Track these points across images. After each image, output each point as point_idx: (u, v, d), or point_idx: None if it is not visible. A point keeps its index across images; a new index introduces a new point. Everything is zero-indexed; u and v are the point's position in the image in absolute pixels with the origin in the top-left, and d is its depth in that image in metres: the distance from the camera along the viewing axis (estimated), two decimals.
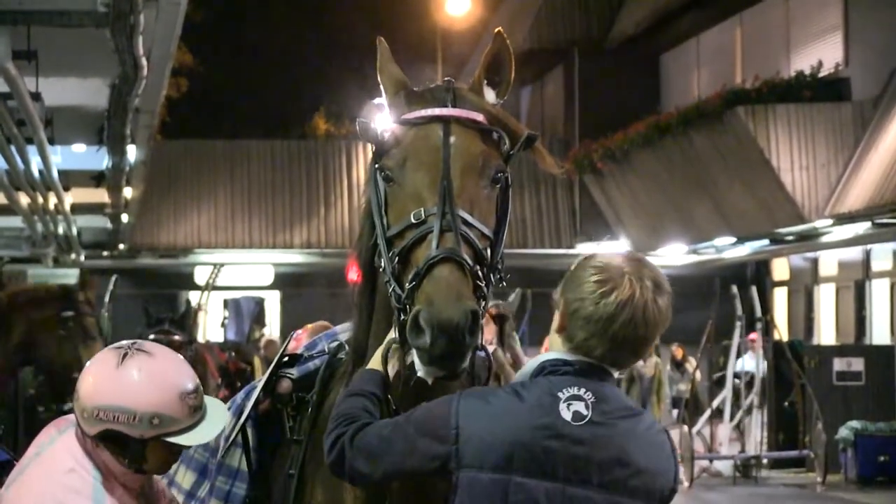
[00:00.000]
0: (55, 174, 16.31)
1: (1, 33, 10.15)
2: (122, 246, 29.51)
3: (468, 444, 3.18)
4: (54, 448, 3.58)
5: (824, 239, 23.20)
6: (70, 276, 28.78)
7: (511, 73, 3.63)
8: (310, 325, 5.93)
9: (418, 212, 3.40)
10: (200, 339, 25.09)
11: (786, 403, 19.73)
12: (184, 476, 4.14)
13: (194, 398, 3.58)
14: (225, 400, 4.13)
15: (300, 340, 4.56)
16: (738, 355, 20.23)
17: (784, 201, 21.87)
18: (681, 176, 24.67)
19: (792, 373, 19.41)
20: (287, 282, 31.51)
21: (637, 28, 28.70)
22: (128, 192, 22.23)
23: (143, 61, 10.79)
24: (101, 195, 21.32)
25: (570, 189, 30.02)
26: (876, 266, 23.48)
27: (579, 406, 3.22)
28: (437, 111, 3.51)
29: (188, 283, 31.35)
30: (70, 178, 18.92)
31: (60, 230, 22.17)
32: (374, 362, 3.48)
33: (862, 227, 21.61)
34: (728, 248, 26.41)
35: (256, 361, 20.22)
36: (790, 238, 24.21)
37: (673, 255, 27.67)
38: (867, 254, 23.45)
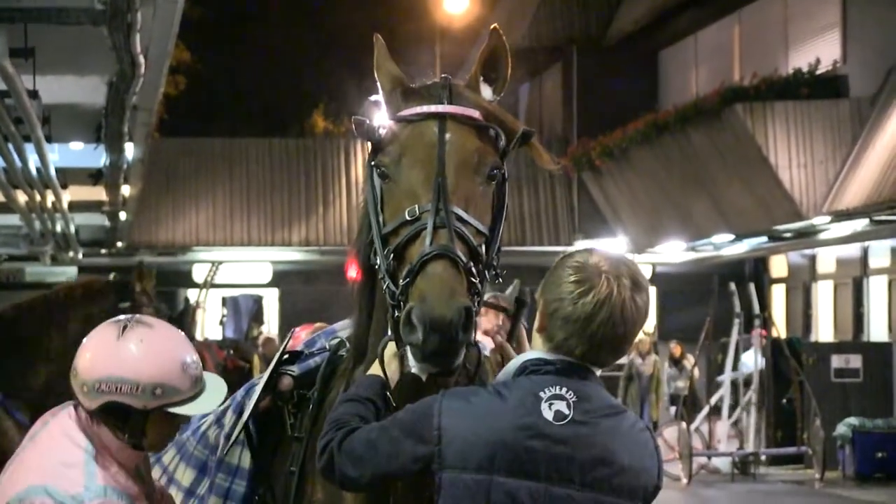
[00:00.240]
0: (53, 172, 16.30)
1: None
2: (120, 244, 29.51)
3: (451, 445, 3.18)
4: (48, 429, 3.61)
5: (822, 236, 23.21)
6: (68, 274, 28.81)
7: (507, 69, 3.63)
8: (308, 326, 5.93)
9: (413, 208, 3.39)
10: (199, 337, 25.11)
11: (784, 400, 19.75)
12: (183, 473, 4.14)
13: (195, 368, 3.61)
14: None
15: (298, 339, 4.56)
16: (737, 352, 20.26)
17: (782, 198, 21.87)
18: (679, 173, 24.68)
19: (790, 370, 19.42)
20: (285, 279, 31.52)
21: (635, 25, 28.70)
22: (126, 190, 22.22)
23: (141, 59, 10.77)
24: (98, 193, 21.31)
25: (568, 187, 30.04)
26: (874, 263, 23.50)
27: (561, 405, 3.22)
28: (433, 108, 3.51)
29: (186, 280, 31.35)
30: (68, 176, 18.91)
31: (58, 228, 22.15)
32: (374, 367, 3.48)
33: (860, 224, 21.62)
34: (726, 246, 26.42)
35: (255, 359, 20.22)
36: (788, 235, 24.22)
37: (671, 253, 27.69)
38: (865, 251, 23.46)
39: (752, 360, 19.97)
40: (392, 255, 3.41)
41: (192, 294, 30.20)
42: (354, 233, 3.76)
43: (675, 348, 23.37)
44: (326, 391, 3.85)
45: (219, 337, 25.77)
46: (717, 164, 23.23)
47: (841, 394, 19.68)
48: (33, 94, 11.91)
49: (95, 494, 3.46)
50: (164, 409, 3.56)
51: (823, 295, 25.29)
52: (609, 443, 3.22)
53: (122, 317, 3.66)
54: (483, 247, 3.44)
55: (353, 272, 3.84)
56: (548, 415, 3.21)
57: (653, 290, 26.14)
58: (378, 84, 3.67)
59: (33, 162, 15.12)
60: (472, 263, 3.36)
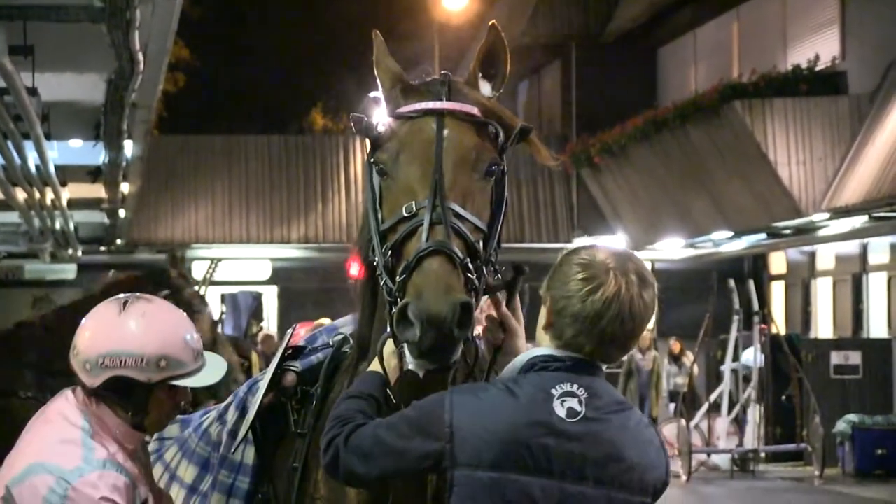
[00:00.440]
0: (52, 169, 16.29)
1: None
2: (119, 241, 29.49)
3: (464, 443, 3.18)
4: (45, 415, 3.64)
5: (821, 233, 23.21)
6: (67, 272, 28.80)
7: (506, 65, 3.62)
8: (308, 324, 5.94)
9: (410, 205, 3.39)
10: None
11: (783, 397, 19.76)
12: (185, 470, 4.15)
13: (196, 342, 3.66)
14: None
15: (298, 336, 4.55)
16: (737, 349, 20.26)
17: (781, 195, 21.87)
18: (678, 170, 24.67)
19: (789, 367, 19.43)
20: (284, 277, 31.50)
21: (634, 22, 28.69)
22: (125, 188, 22.21)
23: (140, 56, 10.77)
24: (97, 190, 21.29)
25: (567, 183, 30.03)
26: (873, 260, 23.50)
27: (573, 402, 3.22)
28: (431, 104, 3.51)
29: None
30: (67, 174, 18.89)
31: (57, 225, 22.14)
32: (373, 364, 3.48)
33: (859, 221, 21.62)
34: (725, 243, 26.42)
35: (254, 356, 20.20)
36: (787, 232, 24.22)
37: (670, 250, 27.69)
38: (864, 247, 23.46)
39: (753, 357, 19.98)
40: (390, 252, 3.40)
41: None
42: (353, 229, 3.77)
43: (675, 345, 23.37)
44: (330, 387, 3.85)
45: None
46: (716, 161, 23.23)
47: (840, 390, 19.69)
48: (32, 92, 11.90)
49: (95, 468, 3.48)
50: (167, 383, 3.59)
51: (823, 292, 25.29)
52: (619, 439, 3.23)
53: (121, 295, 3.70)
54: (481, 243, 3.44)
55: (354, 270, 3.84)
56: (560, 412, 3.21)
57: None
58: (378, 81, 3.67)
59: (32, 159, 15.11)
60: (469, 260, 3.35)
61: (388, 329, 3.40)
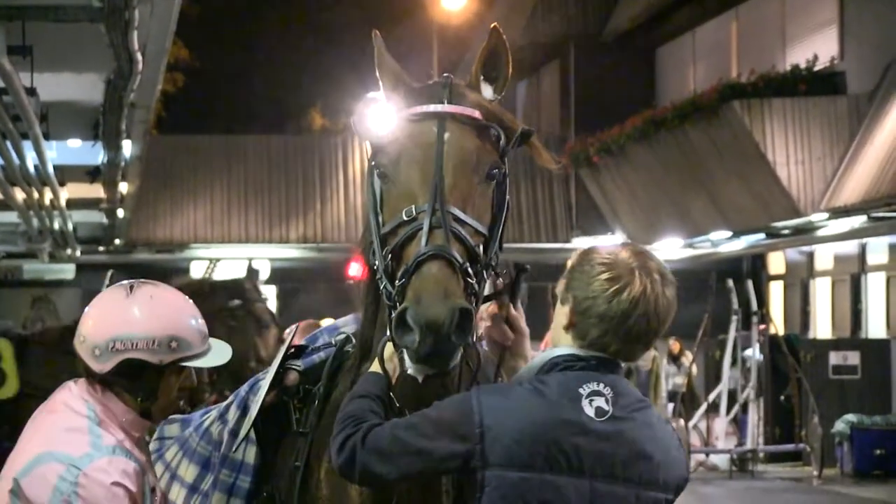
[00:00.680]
0: (50, 169, 16.29)
1: None
2: (117, 241, 29.48)
3: (495, 443, 3.17)
4: (48, 406, 3.65)
5: (820, 233, 23.21)
6: (66, 272, 28.81)
7: (508, 68, 3.61)
8: (302, 323, 5.93)
9: (410, 209, 3.38)
10: None
11: (782, 397, 19.75)
12: (186, 469, 4.14)
13: (203, 325, 3.70)
14: (218, 401, 4.15)
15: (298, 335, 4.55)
16: (735, 349, 20.25)
17: (780, 195, 21.87)
18: (676, 170, 24.68)
19: (788, 367, 19.43)
20: (283, 277, 31.48)
21: (633, 22, 28.70)
22: (123, 188, 22.19)
23: (138, 56, 10.77)
24: (96, 190, 21.28)
25: (566, 183, 30.02)
26: (872, 260, 23.50)
27: (600, 402, 3.23)
28: (432, 107, 3.50)
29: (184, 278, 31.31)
30: (65, 174, 18.90)
31: (56, 225, 22.14)
32: (374, 365, 3.47)
33: (857, 221, 21.62)
34: (724, 242, 26.42)
35: None
36: (786, 232, 24.22)
37: (669, 250, 27.68)
38: (863, 247, 23.47)
39: (752, 357, 19.99)
40: (389, 256, 3.39)
41: None
42: (353, 229, 3.78)
43: (674, 345, 23.38)
44: (332, 386, 3.84)
45: None
46: (714, 161, 23.23)
47: (839, 391, 19.68)
48: (31, 92, 11.89)
49: (104, 453, 3.49)
50: (177, 364, 3.61)
51: (821, 292, 25.30)
52: (645, 437, 3.25)
53: (125, 281, 3.71)
54: (481, 247, 3.43)
55: (353, 271, 3.85)
56: (589, 411, 3.21)
57: None
58: (380, 82, 3.66)
59: (31, 159, 15.11)
60: (468, 264, 3.34)
61: (388, 332, 3.39)
